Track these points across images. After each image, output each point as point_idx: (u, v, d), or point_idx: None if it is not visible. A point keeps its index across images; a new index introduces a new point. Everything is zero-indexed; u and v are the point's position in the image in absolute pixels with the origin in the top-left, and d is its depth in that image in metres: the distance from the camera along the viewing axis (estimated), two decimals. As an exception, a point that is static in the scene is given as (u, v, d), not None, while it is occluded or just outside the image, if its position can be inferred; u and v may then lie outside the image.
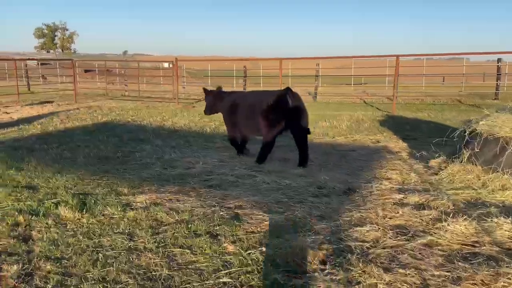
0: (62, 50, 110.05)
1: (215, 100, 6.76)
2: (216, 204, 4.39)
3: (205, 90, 7.06)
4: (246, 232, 3.67)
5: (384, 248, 3.27)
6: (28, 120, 11.00)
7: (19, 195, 4.72)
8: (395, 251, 3.22)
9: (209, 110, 6.89)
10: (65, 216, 4.06)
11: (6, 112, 12.53)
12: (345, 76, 25.98)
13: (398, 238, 3.45)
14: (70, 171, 5.78)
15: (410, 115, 11.84)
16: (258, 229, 3.73)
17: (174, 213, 4.16)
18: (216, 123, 9.99)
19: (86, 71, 46.42)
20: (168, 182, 5.26)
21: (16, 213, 4.12)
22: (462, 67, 24.63)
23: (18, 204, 4.39)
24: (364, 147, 7.32)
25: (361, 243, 3.36)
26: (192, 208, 4.28)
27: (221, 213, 4.13)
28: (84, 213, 4.16)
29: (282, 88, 6.32)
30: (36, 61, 50.61)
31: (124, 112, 12.65)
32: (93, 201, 4.47)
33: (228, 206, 4.35)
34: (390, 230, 3.61)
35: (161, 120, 10.93)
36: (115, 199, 4.59)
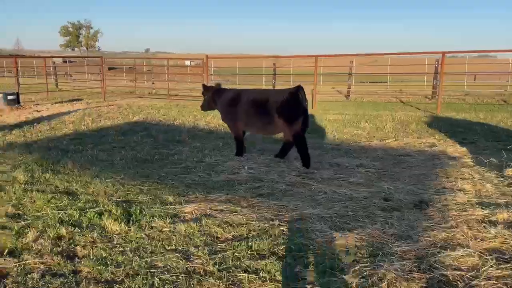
0: (87, 48, 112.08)
1: (214, 97, 6.68)
2: (273, 217, 3.94)
3: (204, 86, 6.99)
4: (316, 253, 3.20)
5: (489, 279, 2.74)
6: (59, 119, 10.81)
7: (58, 202, 4.38)
8: (504, 284, 2.69)
9: (206, 106, 6.90)
10: (111, 229, 3.68)
11: (37, 110, 12.42)
12: (379, 74, 25.07)
13: (502, 266, 2.92)
14: (108, 175, 5.44)
15: (457, 115, 11.11)
16: (330, 250, 3.25)
17: (228, 227, 3.73)
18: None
19: (109, 68, 46.87)
20: (215, 190, 4.84)
21: (58, 224, 3.76)
22: (495, 65, 23.41)
23: (59, 213, 4.04)
24: (420, 151, 6.73)
25: (458, 272, 2.84)
26: (247, 222, 3.84)
27: (281, 228, 3.67)
28: (130, 225, 3.77)
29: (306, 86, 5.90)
30: (61, 58, 51.51)
31: (154, 111, 12.36)
32: (138, 211, 4.08)
33: (287, 220, 3.89)
34: (488, 255, 3.07)
35: (193, 120, 10.57)
36: (162, 208, 4.19)
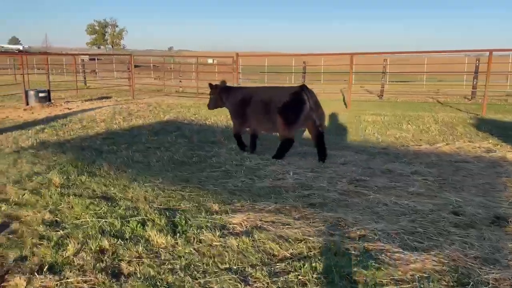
0: (112, 46, 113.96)
1: (221, 95, 6.69)
2: (332, 232, 3.54)
3: (210, 85, 6.93)
4: (394, 280, 2.79)
5: None
6: (90, 117, 10.69)
7: (97, 208, 4.10)
8: None
9: (213, 105, 6.93)
10: (156, 242, 3.36)
11: (68, 108, 12.36)
12: (414, 73, 24.14)
13: None
14: (146, 179, 5.16)
15: (504, 117, 10.41)
16: (408, 275, 2.83)
17: (284, 242, 3.35)
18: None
19: (134, 66, 47.18)
20: (261, 197, 4.47)
21: (99, 234, 3.47)
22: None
23: (99, 221, 3.76)
24: (477, 157, 6.18)
25: None
26: (304, 237, 3.45)
27: (345, 246, 3.27)
28: (177, 237, 3.44)
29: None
30: (88, 56, 52.26)
31: (184, 110, 12.11)
32: (183, 221, 3.76)
33: (349, 236, 3.48)
34: None
35: (225, 119, 10.24)
36: (208, 218, 3.86)
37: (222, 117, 10.65)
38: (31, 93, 12.54)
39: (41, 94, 12.64)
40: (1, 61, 36.11)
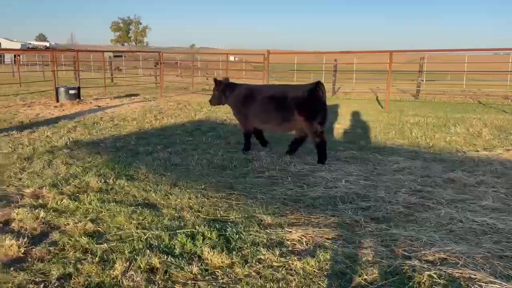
0: (136, 43, 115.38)
1: (225, 91, 6.52)
2: (407, 254, 3.11)
3: (215, 80, 6.76)
4: (499, 319, 2.34)
5: None
6: (121, 115, 10.50)
7: (141, 217, 3.80)
8: None
9: (216, 101, 6.75)
10: (211, 261, 3.01)
11: (98, 106, 12.24)
12: (454, 72, 23.17)
13: None
14: (188, 184, 4.84)
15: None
16: (514, 314, 2.39)
17: (356, 266, 2.95)
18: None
19: (156, 63, 47.43)
20: (316, 209, 4.08)
21: (147, 250, 3.15)
22: None
23: (144, 233, 3.44)
24: (546, 166, 5.61)
25: None
26: (376, 260, 3.04)
27: (426, 272, 2.84)
28: (232, 255, 3.08)
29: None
30: (112, 53, 52.82)
31: (215, 108, 11.78)
32: (236, 235, 3.40)
33: (427, 259, 3.05)
34: None
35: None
36: (262, 232, 3.49)
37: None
38: (62, 90, 12.47)
39: (71, 91, 12.56)
40: (30, 58, 36.80)
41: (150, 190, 4.63)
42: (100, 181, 4.89)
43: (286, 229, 3.59)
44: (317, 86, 5.77)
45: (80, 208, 4.08)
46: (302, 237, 3.41)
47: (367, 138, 7.56)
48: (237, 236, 3.41)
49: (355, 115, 10.61)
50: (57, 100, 12.44)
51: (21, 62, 32.57)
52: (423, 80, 15.26)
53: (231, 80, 6.94)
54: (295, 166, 5.60)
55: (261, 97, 6.11)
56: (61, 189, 4.66)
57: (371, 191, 4.55)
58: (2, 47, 78.04)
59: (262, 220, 3.78)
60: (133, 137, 7.66)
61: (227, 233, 3.46)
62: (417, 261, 3.01)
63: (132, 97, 15.07)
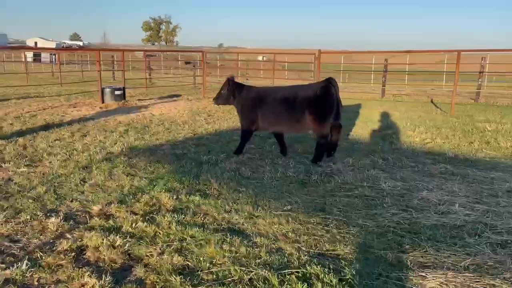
0: (166, 43, 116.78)
1: (235, 91, 6.21)
2: None
3: (230, 79, 6.37)
4: None
5: None
6: (169, 117, 10.05)
7: (233, 249, 3.20)
8: None
9: (223, 100, 6.42)
10: (344, 319, 2.36)
11: (144, 107, 11.86)
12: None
13: None
14: (270, 203, 4.24)
15: None
16: None
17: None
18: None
19: (186, 63, 47.43)
20: (441, 244, 3.37)
21: (260, 299, 2.53)
22: None
23: (245, 273, 2.83)
24: None
25: None
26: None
27: None
28: (368, 312, 2.43)
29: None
30: (142, 52, 53.17)
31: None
32: (359, 280, 2.74)
33: None
34: None
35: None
36: (390, 276, 2.81)
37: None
38: (107, 90, 12.18)
39: (116, 92, 12.26)
40: (67, 57, 37.40)
41: (231, 211, 4.05)
42: (172, 198, 4.35)
43: (417, 270, 2.91)
44: (329, 83, 5.60)
45: (159, 233, 3.53)
46: (444, 286, 2.72)
47: (452, 149, 6.75)
48: (361, 280, 2.75)
49: (422, 120, 9.77)
50: (102, 101, 12.16)
51: (58, 61, 33.08)
52: (483, 82, 14.09)
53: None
54: (385, 183, 4.89)
55: (272, 98, 5.91)
56: (131, 207, 4.15)
57: (497, 220, 3.79)
58: (38, 46, 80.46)
59: (381, 258, 3.11)
60: (190, 143, 7.14)
61: (347, 276, 2.81)
62: None
63: (175, 98, 14.69)
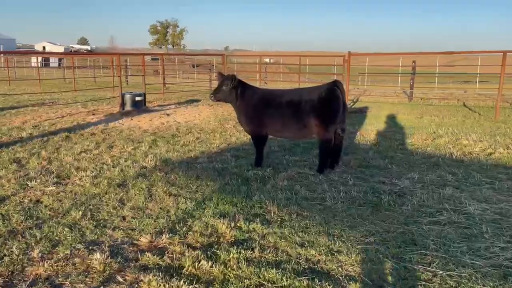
0: (173, 46, 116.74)
1: (237, 90, 5.66)
2: None
3: (234, 76, 5.74)
4: None
5: None
6: (195, 125, 9.47)
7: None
8: None
9: (223, 96, 5.72)
10: None
11: (167, 114, 11.29)
12: None
13: None
14: (346, 233, 3.61)
15: None
16: None
17: None
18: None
19: (193, 66, 47.02)
20: None
21: None
22: None
23: None
24: None
25: None
26: None
27: None
28: None
29: None
30: (150, 56, 52.67)
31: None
32: None
33: None
34: None
35: (370, 132, 8.50)
36: None
37: (352, 127, 8.95)
38: (128, 96, 11.62)
39: (137, 98, 11.69)
40: (78, 62, 37.00)
41: (304, 244, 3.42)
42: (229, 225, 3.73)
43: None
44: (335, 85, 5.35)
45: (229, 275, 2.92)
46: None
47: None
48: None
49: (469, 127, 9.07)
50: (123, 108, 11.60)
51: (66, 65, 32.71)
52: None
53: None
54: (472, 206, 4.23)
55: (277, 102, 5.54)
56: (185, 237, 3.56)
57: None
58: (46, 50, 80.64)
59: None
60: (228, 155, 6.53)
61: None
62: None
63: (194, 103, 14.11)
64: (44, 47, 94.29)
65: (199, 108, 12.83)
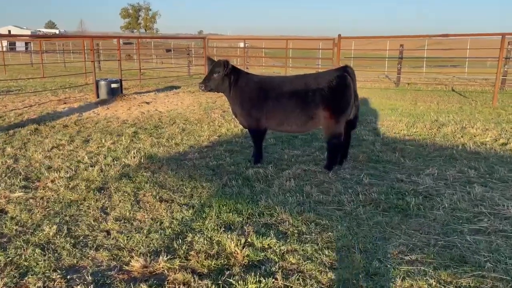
0: (145, 30, 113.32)
1: (231, 78, 4.94)
2: None
3: (226, 62, 4.96)
4: None
5: None
6: (179, 115, 8.70)
7: None
8: None
9: (214, 86, 4.97)
10: None
11: (146, 102, 10.41)
12: None
13: None
14: (379, 248, 3.03)
15: None
16: None
17: None
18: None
19: (167, 50, 45.35)
20: None
21: None
22: None
23: None
24: None
25: None
26: None
27: None
28: None
29: None
30: (122, 40, 50.59)
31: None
32: None
33: None
34: None
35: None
36: None
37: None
38: (103, 83, 10.65)
39: (113, 85, 10.74)
40: (46, 46, 34.93)
41: (335, 266, 2.82)
42: (239, 241, 3.09)
43: None
44: (345, 71, 4.72)
45: (252, 316, 2.28)
46: None
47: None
48: None
49: (469, 114, 8.68)
50: (97, 96, 10.65)
51: (34, 49, 30.74)
52: (509, 68, 13.08)
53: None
54: (509, 207, 3.73)
55: (279, 91, 4.85)
56: (187, 260, 2.89)
57: None
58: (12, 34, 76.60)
59: None
60: (221, 149, 5.85)
61: None
62: None
63: (175, 90, 13.25)
64: (9, 31, 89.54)
65: (180, 95, 11.99)
